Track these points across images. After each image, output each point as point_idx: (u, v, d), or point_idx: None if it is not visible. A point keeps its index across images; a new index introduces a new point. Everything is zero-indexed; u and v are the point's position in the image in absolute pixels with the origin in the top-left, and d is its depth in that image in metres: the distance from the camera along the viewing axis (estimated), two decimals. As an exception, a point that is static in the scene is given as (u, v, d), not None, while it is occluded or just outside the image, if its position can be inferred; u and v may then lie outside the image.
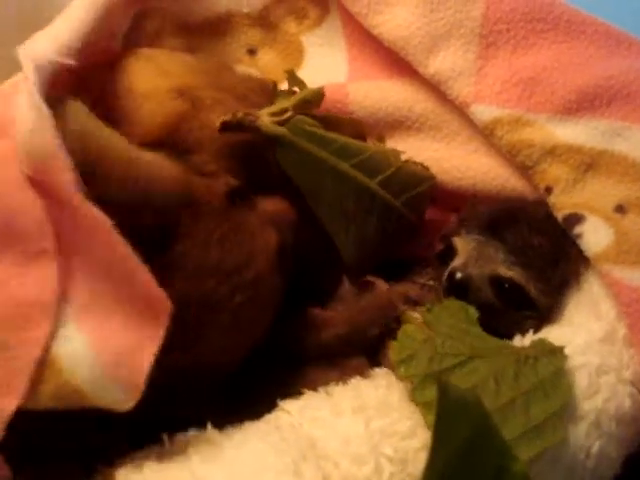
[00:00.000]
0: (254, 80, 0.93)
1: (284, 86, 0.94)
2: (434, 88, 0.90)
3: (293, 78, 0.92)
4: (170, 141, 0.76)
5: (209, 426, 0.72)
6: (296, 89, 0.90)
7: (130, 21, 0.89)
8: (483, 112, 0.86)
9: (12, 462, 0.81)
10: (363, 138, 0.92)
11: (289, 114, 0.81)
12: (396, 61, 0.91)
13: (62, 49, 0.75)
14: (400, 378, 0.72)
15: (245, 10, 0.97)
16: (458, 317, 0.77)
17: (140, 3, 0.90)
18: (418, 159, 0.90)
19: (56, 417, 0.79)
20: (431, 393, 0.68)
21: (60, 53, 0.74)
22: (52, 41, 0.75)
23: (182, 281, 0.74)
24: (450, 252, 0.84)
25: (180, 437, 0.72)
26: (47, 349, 0.63)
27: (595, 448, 0.69)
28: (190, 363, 0.75)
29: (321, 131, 0.82)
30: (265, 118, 0.80)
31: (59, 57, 0.73)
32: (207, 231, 0.75)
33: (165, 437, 0.71)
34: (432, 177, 0.90)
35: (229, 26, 0.97)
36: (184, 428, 0.73)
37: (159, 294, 0.63)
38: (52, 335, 0.63)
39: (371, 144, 0.89)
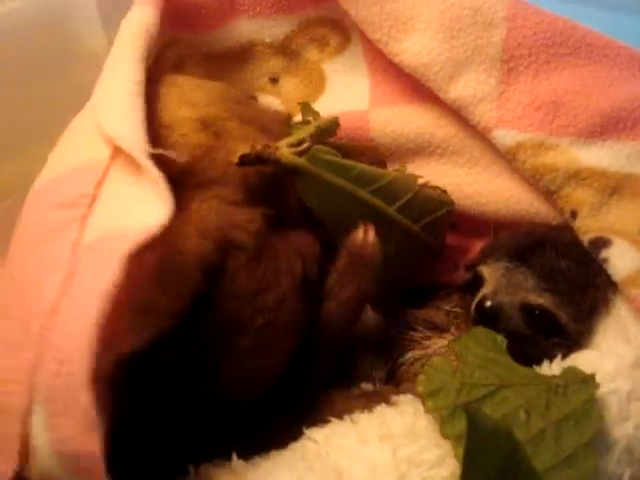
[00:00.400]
0: (273, 112, 0.94)
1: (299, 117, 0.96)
2: (455, 113, 0.90)
3: (307, 109, 0.93)
4: (194, 172, 0.77)
5: (234, 456, 0.72)
6: (310, 119, 0.92)
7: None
8: (505, 137, 0.86)
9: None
10: (383, 164, 0.92)
11: (307, 144, 0.82)
12: (418, 86, 0.91)
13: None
14: (428, 411, 0.71)
15: (267, 40, 0.98)
16: (486, 346, 0.76)
17: (164, 36, 0.91)
18: (440, 184, 0.90)
19: None
20: (461, 425, 0.67)
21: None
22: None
23: (210, 308, 0.75)
24: (477, 281, 0.84)
25: (205, 468, 0.72)
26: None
27: (627, 476, 0.68)
28: (211, 394, 0.75)
29: (339, 159, 0.82)
30: (284, 149, 0.81)
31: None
32: (242, 265, 0.77)
33: (191, 468, 0.72)
34: (450, 202, 0.90)
35: (251, 55, 0.99)
36: (209, 458, 0.73)
37: None
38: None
39: (390, 170, 0.89)
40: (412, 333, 0.88)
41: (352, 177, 0.83)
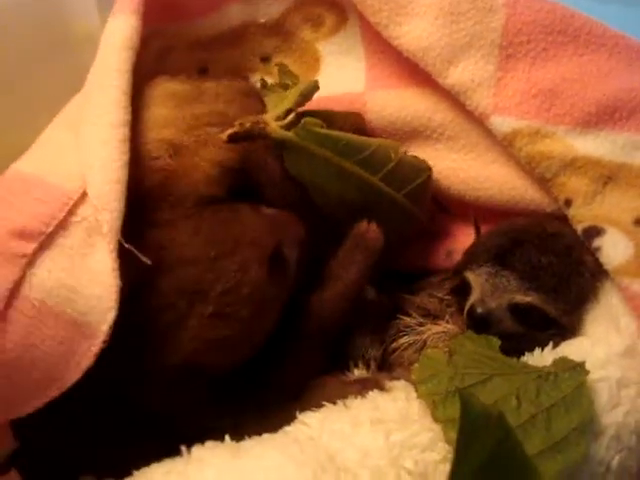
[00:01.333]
0: (236, 84, 0.93)
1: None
2: (453, 98, 0.90)
3: (284, 71, 0.94)
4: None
5: (227, 438, 0.73)
6: (289, 82, 0.92)
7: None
8: (502, 123, 0.87)
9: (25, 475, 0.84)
10: (364, 131, 0.93)
11: (292, 115, 0.83)
12: (415, 70, 0.92)
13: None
14: (421, 397, 0.73)
15: (262, 20, 0.98)
16: (480, 344, 0.79)
17: (146, 28, 0.90)
18: (436, 169, 0.91)
19: (71, 429, 0.82)
20: (452, 410, 0.69)
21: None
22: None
23: (165, 271, 0.77)
24: (465, 287, 0.86)
25: (198, 449, 0.73)
26: None
27: (615, 462, 0.70)
28: (182, 363, 0.78)
29: (326, 132, 0.83)
30: (273, 124, 0.82)
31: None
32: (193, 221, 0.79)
33: (183, 449, 0.73)
34: (428, 167, 0.92)
35: (243, 37, 0.99)
36: (201, 440, 0.74)
37: None
38: None
39: (372, 138, 0.90)
40: (406, 318, 0.90)
41: (339, 149, 0.84)
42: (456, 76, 0.88)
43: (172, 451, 0.74)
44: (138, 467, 0.74)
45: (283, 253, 0.83)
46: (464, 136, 0.92)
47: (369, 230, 0.87)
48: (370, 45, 0.96)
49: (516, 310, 0.81)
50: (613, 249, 0.80)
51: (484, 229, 0.93)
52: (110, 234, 0.70)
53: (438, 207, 0.97)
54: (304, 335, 0.86)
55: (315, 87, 0.87)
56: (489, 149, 0.91)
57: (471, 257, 0.88)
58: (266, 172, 0.85)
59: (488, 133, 0.90)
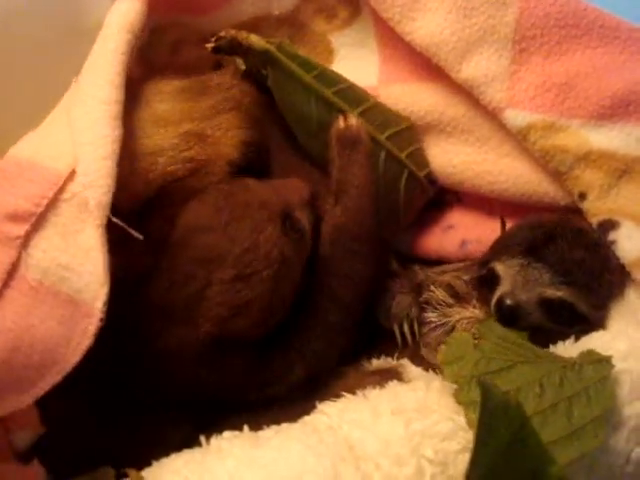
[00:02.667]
0: (227, 72, 0.95)
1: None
2: (465, 93, 0.92)
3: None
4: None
5: (245, 428, 0.75)
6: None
7: (146, 36, 0.91)
8: (516, 117, 0.88)
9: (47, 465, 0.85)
10: None
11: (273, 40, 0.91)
12: (428, 64, 0.93)
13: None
14: (446, 379, 0.75)
15: (276, 12, 0.99)
16: (508, 330, 0.81)
17: (157, 18, 0.92)
18: (450, 163, 0.93)
19: (91, 420, 0.84)
20: (475, 394, 0.71)
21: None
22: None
23: (179, 244, 0.81)
24: (492, 278, 0.86)
25: (216, 438, 0.75)
26: None
27: (635, 453, 0.72)
28: (210, 336, 0.80)
29: (304, 55, 0.91)
30: (253, 36, 0.90)
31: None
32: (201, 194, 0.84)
33: (202, 439, 0.75)
34: (407, 118, 0.94)
35: (256, 30, 0.98)
36: (219, 431, 0.76)
37: None
38: None
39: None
40: (437, 291, 0.91)
41: (316, 75, 0.91)
42: (469, 71, 0.90)
43: (191, 441, 0.76)
44: (157, 457, 0.75)
45: (294, 215, 0.85)
46: (477, 130, 0.93)
47: (349, 127, 0.88)
48: (383, 38, 0.97)
49: (546, 304, 0.82)
50: (628, 242, 0.82)
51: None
52: (97, 210, 0.72)
53: (453, 198, 0.98)
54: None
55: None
56: (503, 143, 0.92)
57: (500, 249, 0.88)
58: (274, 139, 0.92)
59: (501, 127, 0.91)
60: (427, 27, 0.90)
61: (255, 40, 0.89)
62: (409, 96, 0.95)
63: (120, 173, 0.75)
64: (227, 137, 0.87)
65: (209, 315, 0.80)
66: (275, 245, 0.81)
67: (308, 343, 0.86)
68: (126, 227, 0.74)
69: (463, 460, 0.68)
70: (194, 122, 0.85)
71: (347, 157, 0.88)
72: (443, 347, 0.78)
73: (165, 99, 0.87)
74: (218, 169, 0.86)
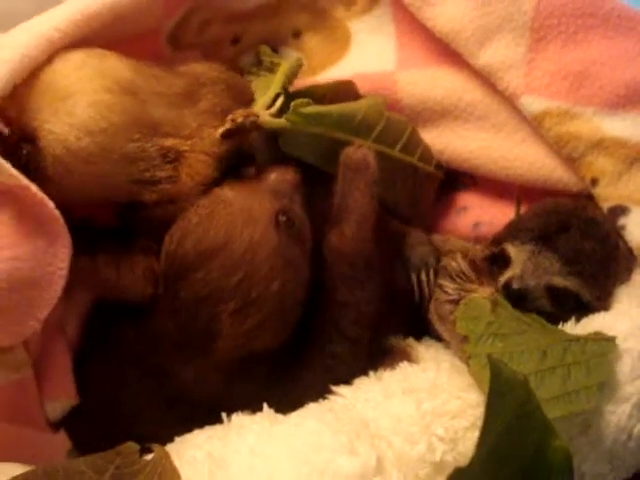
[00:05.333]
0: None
1: (326, 74, 1.03)
2: (482, 78, 0.96)
3: (265, 52, 0.99)
4: None
5: (265, 407, 0.79)
6: (271, 60, 0.97)
7: (178, 19, 0.96)
8: (532, 103, 0.92)
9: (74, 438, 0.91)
10: (356, 96, 0.97)
11: (281, 100, 0.88)
12: (445, 50, 0.97)
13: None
14: (459, 330, 0.81)
15: None
16: None
17: (186, 3, 0.96)
18: (467, 148, 0.97)
19: (120, 398, 0.89)
20: (482, 349, 0.78)
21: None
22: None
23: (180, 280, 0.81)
24: (503, 258, 0.90)
25: (238, 416, 0.79)
26: None
27: (637, 429, 0.77)
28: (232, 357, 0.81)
29: (314, 109, 0.87)
30: (264, 116, 0.86)
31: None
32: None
33: (224, 416, 0.79)
34: (408, 121, 0.97)
35: (277, 11, 1.03)
36: (240, 410, 0.81)
37: None
38: None
39: (360, 101, 0.95)
40: (452, 263, 0.94)
41: (331, 122, 0.88)
42: (487, 57, 0.94)
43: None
44: (180, 434, 0.80)
45: (285, 207, 0.84)
46: (493, 116, 0.97)
47: (355, 151, 0.86)
48: (401, 25, 1.01)
49: (552, 292, 0.86)
50: (637, 227, 0.86)
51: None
52: None
53: (469, 182, 1.02)
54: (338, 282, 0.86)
55: (299, 65, 0.93)
56: (518, 129, 0.96)
57: (514, 231, 0.92)
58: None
59: (517, 113, 0.95)
60: (447, 14, 0.94)
61: (266, 121, 0.85)
62: (427, 81, 0.98)
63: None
64: (203, 150, 0.86)
65: (225, 347, 0.80)
66: (275, 256, 0.80)
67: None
68: None
69: (472, 437, 0.73)
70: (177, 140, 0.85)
71: (350, 183, 0.86)
72: (462, 303, 0.85)
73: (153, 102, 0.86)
74: (194, 189, 0.85)
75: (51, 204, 0.76)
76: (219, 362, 0.82)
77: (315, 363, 0.86)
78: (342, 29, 1.04)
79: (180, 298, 0.81)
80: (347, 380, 0.84)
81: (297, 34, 1.05)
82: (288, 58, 0.97)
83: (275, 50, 1.04)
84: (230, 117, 0.84)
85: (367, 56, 1.02)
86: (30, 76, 0.79)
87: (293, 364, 0.86)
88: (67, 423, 0.93)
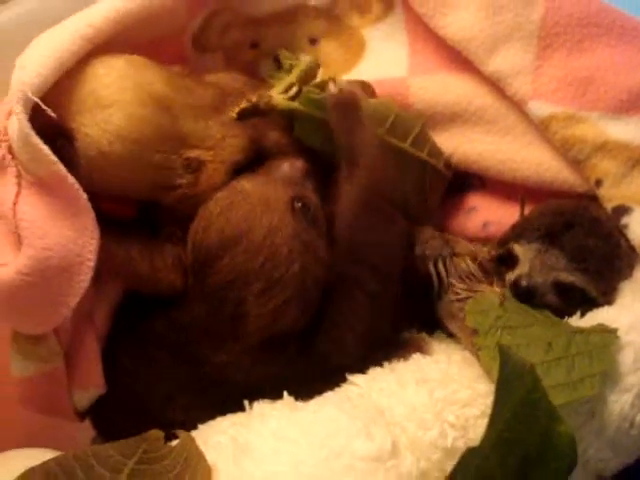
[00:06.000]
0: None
1: (347, 77, 1.05)
2: (491, 84, 1.00)
3: (285, 55, 1.02)
4: None
5: (285, 394, 0.83)
6: (290, 63, 1.00)
7: (201, 21, 1.01)
8: (540, 108, 0.96)
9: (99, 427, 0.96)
10: (373, 93, 1.02)
11: (295, 89, 0.93)
12: (456, 57, 1.01)
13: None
14: (468, 323, 0.86)
15: (312, 3, 1.08)
16: None
17: (209, 5, 1.01)
18: (475, 151, 1.01)
19: (148, 387, 0.93)
20: (490, 341, 0.83)
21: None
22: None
23: (205, 272, 0.85)
24: (511, 258, 0.94)
25: (259, 404, 0.83)
26: None
27: (639, 417, 0.81)
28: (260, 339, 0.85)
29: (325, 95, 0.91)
30: (277, 96, 0.91)
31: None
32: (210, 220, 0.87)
33: (246, 403, 0.83)
34: (419, 115, 1.01)
35: (294, 17, 1.08)
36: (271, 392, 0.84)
37: None
38: None
39: (372, 99, 0.99)
40: (462, 264, 0.97)
41: None
42: (497, 64, 0.98)
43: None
44: (203, 421, 0.84)
45: (300, 194, 0.88)
46: (502, 120, 1.01)
47: (340, 90, 0.89)
48: (413, 32, 1.06)
49: (559, 287, 0.90)
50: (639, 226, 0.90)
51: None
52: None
53: (477, 183, 1.06)
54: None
55: (316, 65, 0.98)
56: (525, 132, 1.00)
57: (520, 231, 0.96)
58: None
59: (524, 117, 0.99)
60: (458, 23, 0.99)
61: (279, 102, 0.91)
62: (438, 86, 1.03)
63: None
64: (223, 159, 0.91)
65: (253, 328, 0.84)
66: (293, 239, 0.84)
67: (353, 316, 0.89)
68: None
69: (482, 424, 0.75)
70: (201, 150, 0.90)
71: (348, 122, 0.89)
72: (471, 300, 0.89)
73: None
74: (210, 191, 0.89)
75: (84, 196, 0.81)
76: (249, 345, 0.86)
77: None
78: (357, 36, 1.09)
79: (209, 285, 0.86)
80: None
81: (314, 41, 1.10)
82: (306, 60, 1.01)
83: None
84: (245, 98, 0.90)
85: (381, 62, 1.07)
86: (70, 75, 0.84)
87: (320, 343, 0.89)
88: (92, 412, 0.97)
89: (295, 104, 0.92)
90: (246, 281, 0.84)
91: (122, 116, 0.84)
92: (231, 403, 0.85)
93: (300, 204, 0.87)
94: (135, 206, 0.94)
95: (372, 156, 0.89)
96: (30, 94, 0.79)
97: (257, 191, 0.87)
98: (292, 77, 0.94)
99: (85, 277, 0.83)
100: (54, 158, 0.79)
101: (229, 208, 0.86)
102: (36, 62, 0.81)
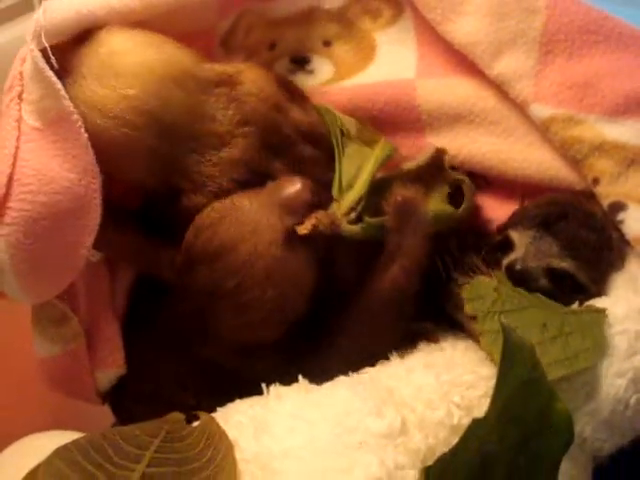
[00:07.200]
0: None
1: (356, 79, 1.11)
2: (494, 87, 1.05)
3: (364, 129, 1.05)
4: None
5: (300, 378, 0.88)
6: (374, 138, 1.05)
7: (231, 22, 1.07)
8: (541, 110, 1.01)
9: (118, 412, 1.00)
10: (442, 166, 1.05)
11: (360, 206, 0.94)
12: (461, 61, 1.07)
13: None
14: (467, 311, 0.90)
15: (326, 6, 1.13)
16: None
17: (239, 6, 1.06)
18: (480, 151, 1.06)
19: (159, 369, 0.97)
20: (489, 326, 0.88)
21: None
22: None
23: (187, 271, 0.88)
24: (507, 244, 0.99)
25: (275, 388, 0.87)
26: None
27: (633, 400, 0.86)
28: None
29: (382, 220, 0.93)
30: (344, 225, 0.92)
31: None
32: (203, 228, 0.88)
33: (263, 387, 0.88)
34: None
35: (309, 19, 1.14)
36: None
37: None
38: None
39: None
40: (469, 258, 1.01)
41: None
42: (501, 68, 1.03)
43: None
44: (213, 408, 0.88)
45: (296, 224, 0.88)
46: (504, 121, 1.06)
47: (404, 196, 0.91)
48: (422, 37, 1.11)
49: (551, 273, 0.95)
50: (635, 222, 0.95)
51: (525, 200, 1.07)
52: None
53: (482, 182, 1.10)
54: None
55: (391, 153, 1.00)
56: (527, 133, 1.05)
57: (518, 219, 1.01)
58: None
59: (526, 119, 1.04)
60: (465, 28, 1.04)
61: (345, 229, 0.92)
62: (443, 88, 1.08)
63: None
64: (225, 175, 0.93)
65: (227, 336, 0.89)
66: (274, 268, 0.85)
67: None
68: None
69: (485, 403, 0.77)
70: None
71: (402, 224, 0.91)
72: (467, 285, 0.93)
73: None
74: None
75: (85, 135, 0.85)
76: (229, 346, 0.90)
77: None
78: (368, 39, 1.14)
79: (189, 288, 0.89)
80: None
81: (327, 43, 1.15)
82: (384, 143, 1.03)
83: (307, 57, 1.14)
84: (313, 220, 0.88)
85: (390, 65, 1.12)
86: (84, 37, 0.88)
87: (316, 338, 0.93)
88: (111, 397, 1.02)
89: (357, 231, 0.93)
90: (220, 295, 0.86)
91: (137, 85, 0.86)
92: (238, 389, 0.89)
93: (293, 235, 0.87)
94: (139, 196, 0.99)
95: (415, 260, 0.91)
96: (43, 38, 0.82)
97: (252, 212, 0.87)
98: (362, 185, 0.96)
99: (95, 215, 0.87)
100: (65, 93, 0.83)
101: (220, 222, 0.87)
102: (58, 10, 0.85)
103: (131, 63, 0.87)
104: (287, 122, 0.97)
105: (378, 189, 0.96)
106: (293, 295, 0.88)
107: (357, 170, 0.98)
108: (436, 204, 0.98)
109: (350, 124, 1.04)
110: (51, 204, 0.84)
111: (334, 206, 0.94)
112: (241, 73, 0.95)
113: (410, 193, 0.92)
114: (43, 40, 0.83)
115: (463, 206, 1.00)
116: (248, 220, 0.86)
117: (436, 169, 1.01)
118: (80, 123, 0.84)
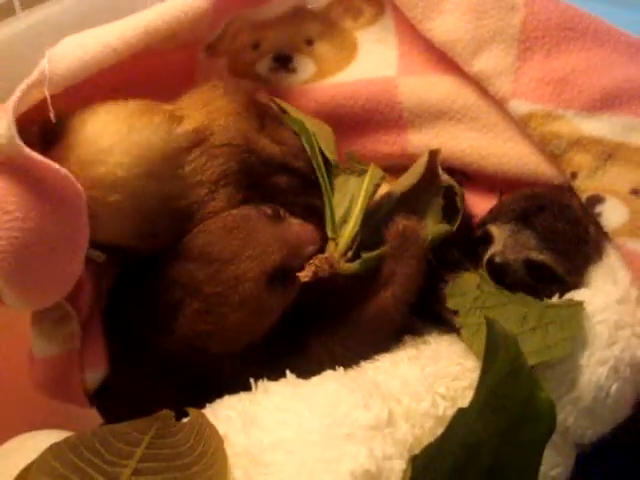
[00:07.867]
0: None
1: (338, 77, 1.13)
2: (474, 84, 1.08)
3: (353, 158, 1.04)
4: None
5: (288, 373, 0.88)
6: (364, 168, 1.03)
7: (220, 31, 1.07)
8: (520, 106, 1.04)
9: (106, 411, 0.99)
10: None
11: (356, 243, 0.95)
12: (442, 59, 1.09)
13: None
14: (450, 306, 0.93)
15: (309, 6, 1.15)
16: None
17: (230, 15, 1.07)
18: (459, 147, 1.09)
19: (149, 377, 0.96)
20: (471, 320, 0.91)
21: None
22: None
23: (171, 259, 0.89)
24: (487, 238, 1.01)
25: (263, 383, 0.88)
26: None
27: (613, 388, 0.88)
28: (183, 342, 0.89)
29: (379, 253, 0.95)
30: (342, 265, 0.92)
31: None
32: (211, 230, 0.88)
33: (252, 381, 0.88)
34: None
35: (293, 19, 1.15)
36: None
37: None
38: None
39: None
40: (453, 255, 1.03)
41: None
42: (480, 65, 1.05)
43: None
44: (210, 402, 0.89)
45: (290, 270, 0.89)
46: (485, 117, 1.08)
47: (406, 224, 0.94)
48: (402, 36, 1.13)
49: (530, 265, 0.97)
50: (612, 214, 0.97)
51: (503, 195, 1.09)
52: None
53: (462, 178, 1.13)
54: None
55: (381, 181, 0.98)
56: (506, 129, 1.07)
57: (496, 214, 1.03)
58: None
59: (505, 115, 1.07)
60: (444, 26, 1.06)
61: (342, 268, 0.92)
62: (424, 86, 1.10)
63: None
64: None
65: (179, 327, 0.88)
66: (253, 297, 0.86)
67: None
68: None
69: (469, 395, 0.79)
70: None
71: (401, 251, 0.93)
72: (450, 283, 0.96)
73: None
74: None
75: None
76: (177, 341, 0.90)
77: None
78: (350, 38, 1.16)
79: (166, 274, 0.89)
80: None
81: (310, 42, 1.16)
82: (372, 171, 1.00)
83: (290, 56, 1.16)
84: (313, 267, 0.88)
85: (372, 63, 1.14)
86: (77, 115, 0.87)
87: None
88: (98, 399, 1.00)
89: (356, 268, 0.93)
90: (192, 295, 0.87)
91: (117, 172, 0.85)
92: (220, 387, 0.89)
93: (281, 278, 0.89)
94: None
95: (408, 291, 0.94)
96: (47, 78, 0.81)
97: (262, 237, 0.88)
98: (355, 222, 0.95)
99: (85, 230, 0.84)
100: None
101: (226, 232, 0.88)
102: (63, 56, 0.84)
103: (110, 165, 0.86)
104: (260, 159, 0.97)
105: (371, 217, 0.97)
106: (257, 324, 0.90)
107: (349, 203, 0.97)
108: (433, 225, 0.99)
109: (328, 142, 1.03)
110: (39, 228, 0.82)
111: (331, 246, 0.94)
112: (213, 121, 0.95)
113: (411, 223, 0.94)
114: (45, 91, 0.82)
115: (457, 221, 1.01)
116: (252, 242, 0.87)
117: (431, 174, 1.02)
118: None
